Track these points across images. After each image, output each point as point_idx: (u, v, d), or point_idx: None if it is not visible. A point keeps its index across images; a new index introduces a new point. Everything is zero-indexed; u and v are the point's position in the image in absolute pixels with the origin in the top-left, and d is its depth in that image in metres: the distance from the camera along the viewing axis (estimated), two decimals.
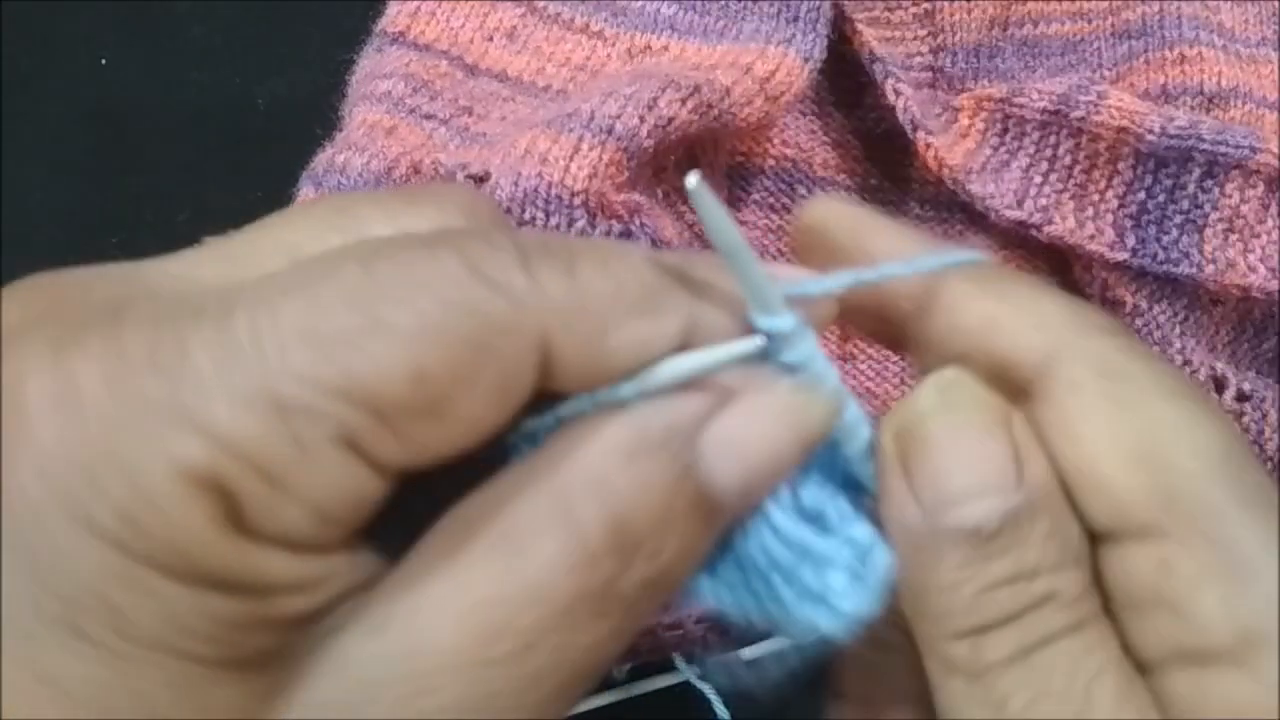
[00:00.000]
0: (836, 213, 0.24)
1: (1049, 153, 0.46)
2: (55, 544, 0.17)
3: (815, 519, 0.20)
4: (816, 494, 0.21)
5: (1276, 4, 0.51)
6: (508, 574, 0.18)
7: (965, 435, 0.21)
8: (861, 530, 0.20)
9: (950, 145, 0.46)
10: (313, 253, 0.20)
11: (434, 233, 0.20)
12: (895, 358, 0.46)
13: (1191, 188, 0.44)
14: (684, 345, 0.20)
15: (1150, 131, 0.44)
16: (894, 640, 0.22)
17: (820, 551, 0.20)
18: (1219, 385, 0.44)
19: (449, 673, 0.17)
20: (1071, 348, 0.21)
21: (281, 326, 0.18)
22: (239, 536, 0.17)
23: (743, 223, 0.48)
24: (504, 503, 0.19)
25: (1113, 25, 0.51)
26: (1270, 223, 0.44)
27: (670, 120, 0.39)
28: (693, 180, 0.19)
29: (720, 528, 0.20)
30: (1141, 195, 0.45)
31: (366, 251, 0.19)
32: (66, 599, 0.17)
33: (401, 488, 0.19)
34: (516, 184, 0.37)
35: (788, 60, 0.44)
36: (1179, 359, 0.44)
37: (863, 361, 0.46)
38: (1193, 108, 0.48)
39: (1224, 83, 0.48)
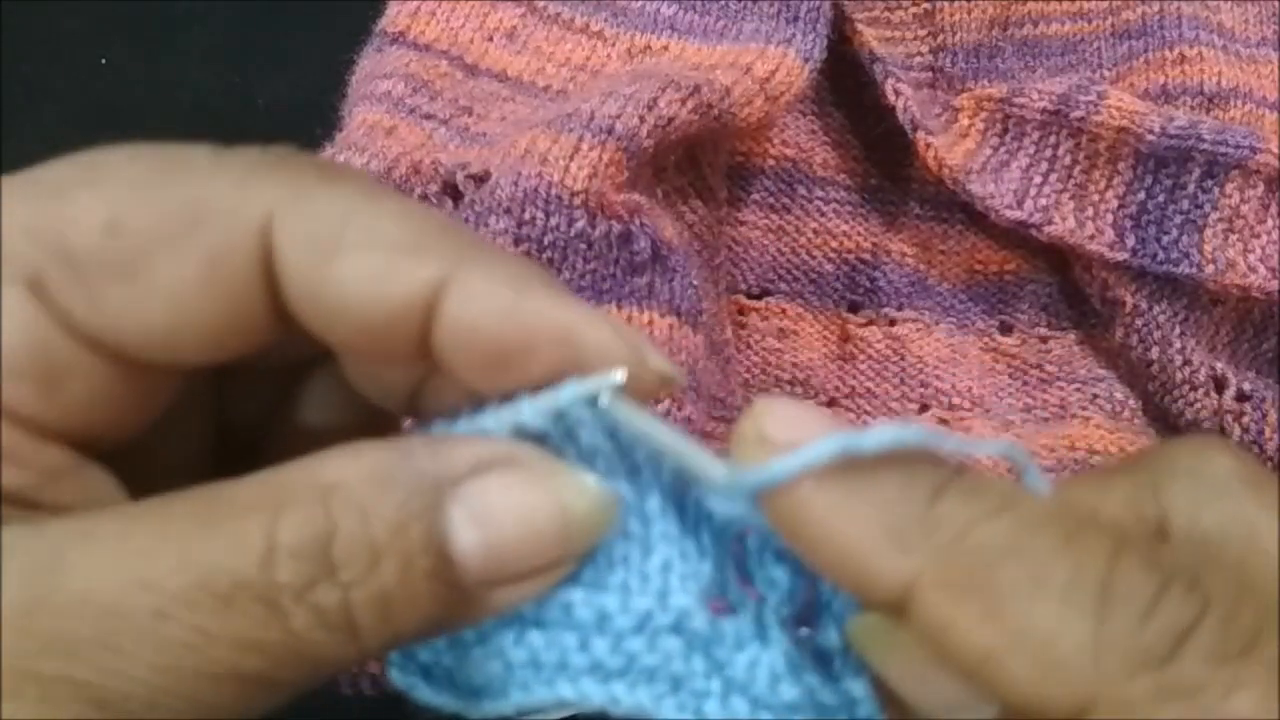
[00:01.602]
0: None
1: (1049, 153, 0.46)
2: None
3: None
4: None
5: (1276, 4, 0.51)
6: (181, 539, 0.17)
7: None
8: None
9: (950, 145, 0.46)
10: None
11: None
12: (895, 358, 0.46)
13: (1191, 188, 0.44)
14: (433, 302, 0.18)
15: (1150, 131, 0.44)
16: None
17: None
18: (1219, 385, 0.44)
19: (75, 601, 0.16)
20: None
21: (14, 180, 0.18)
22: None
23: (742, 223, 0.48)
24: (235, 483, 0.18)
25: (1113, 25, 0.51)
26: (1270, 223, 0.44)
27: (670, 120, 0.39)
28: (605, 399, 0.18)
29: (457, 594, 0.18)
30: (1141, 195, 0.45)
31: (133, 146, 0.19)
32: None
33: None
34: (516, 184, 0.37)
35: (788, 60, 0.44)
36: (1179, 359, 0.44)
37: (862, 362, 0.46)
38: (1193, 108, 0.48)
39: (1224, 83, 0.48)
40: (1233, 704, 0.16)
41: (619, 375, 0.18)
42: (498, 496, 0.18)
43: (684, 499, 0.19)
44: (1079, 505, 0.19)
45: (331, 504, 0.17)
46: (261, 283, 0.18)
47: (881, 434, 0.18)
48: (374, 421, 0.21)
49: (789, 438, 0.18)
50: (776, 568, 0.20)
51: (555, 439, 0.19)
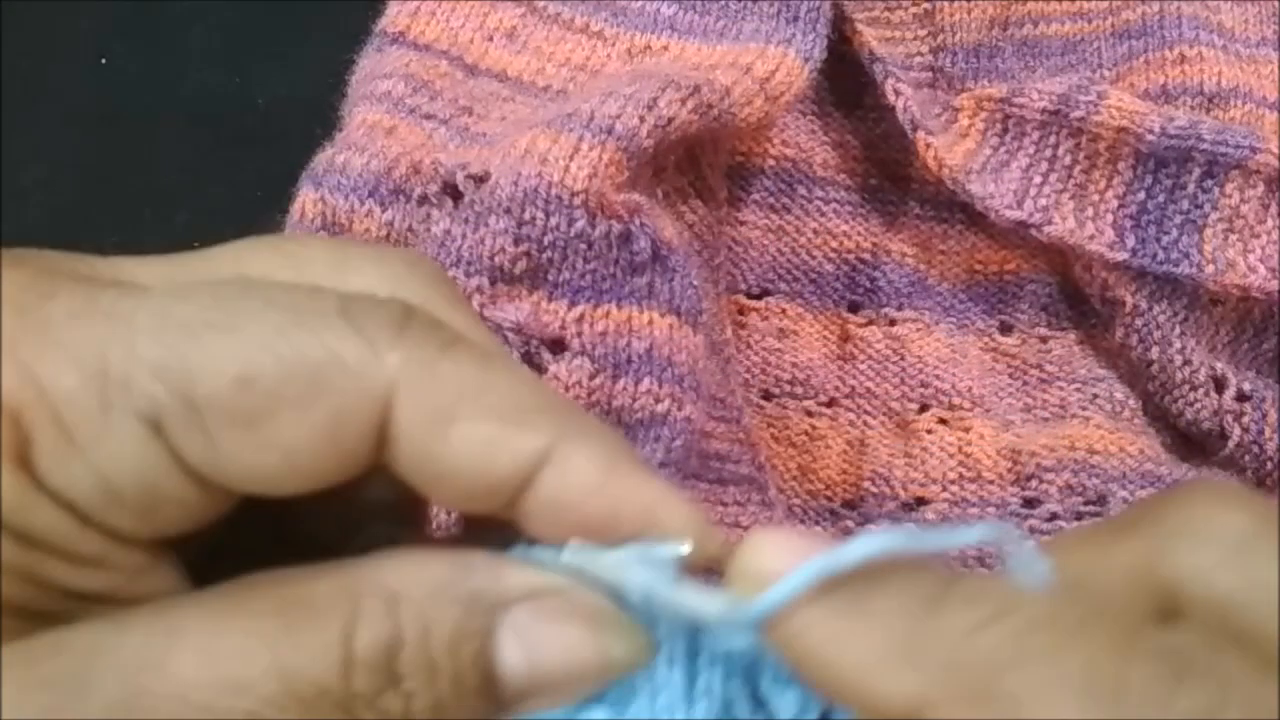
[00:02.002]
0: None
1: (1049, 153, 0.46)
2: None
3: None
4: None
5: (1276, 4, 0.51)
6: (270, 643, 0.18)
7: None
8: None
9: (950, 145, 0.46)
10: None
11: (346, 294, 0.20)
12: (895, 358, 0.46)
13: (1191, 188, 0.44)
14: (534, 473, 0.19)
15: (1150, 131, 0.44)
16: None
17: None
18: (1219, 385, 0.44)
19: (172, 701, 0.17)
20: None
21: (139, 303, 0.18)
22: (22, 476, 0.18)
23: (742, 223, 0.48)
24: (309, 579, 0.19)
25: (1113, 25, 0.51)
26: (1270, 223, 0.44)
27: (670, 120, 0.39)
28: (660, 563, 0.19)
29: (488, 711, 0.19)
30: (1141, 195, 0.45)
31: (256, 282, 0.19)
32: None
33: None
34: (516, 184, 0.37)
35: (788, 60, 0.44)
36: (1179, 359, 0.44)
37: (862, 362, 0.46)
38: (1193, 108, 0.48)
39: (1224, 83, 0.48)
40: None
41: (684, 549, 0.19)
42: (546, 627, 0.19)
43: (699, 634, 0.20)
44: (1080, 588, 0.19)
45: (399, 615, 0.18)
46: (374, 442, 0.19)
47: (863, 545, 0.18)
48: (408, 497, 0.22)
49: (781, 566, 0.18)
50: (788, 690, 0.20)
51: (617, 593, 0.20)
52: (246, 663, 0.18)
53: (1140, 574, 0.19)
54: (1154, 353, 0.44)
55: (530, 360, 0.37)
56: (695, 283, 0.39)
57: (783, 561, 0.18)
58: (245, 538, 0.20)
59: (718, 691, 0.20)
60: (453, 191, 0.39)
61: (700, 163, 0.44)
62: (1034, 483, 0.42)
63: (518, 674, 0.19)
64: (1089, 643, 0.17)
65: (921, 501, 0.43)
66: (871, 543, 0.18)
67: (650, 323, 0.38)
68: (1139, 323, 0.45)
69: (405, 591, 0.18)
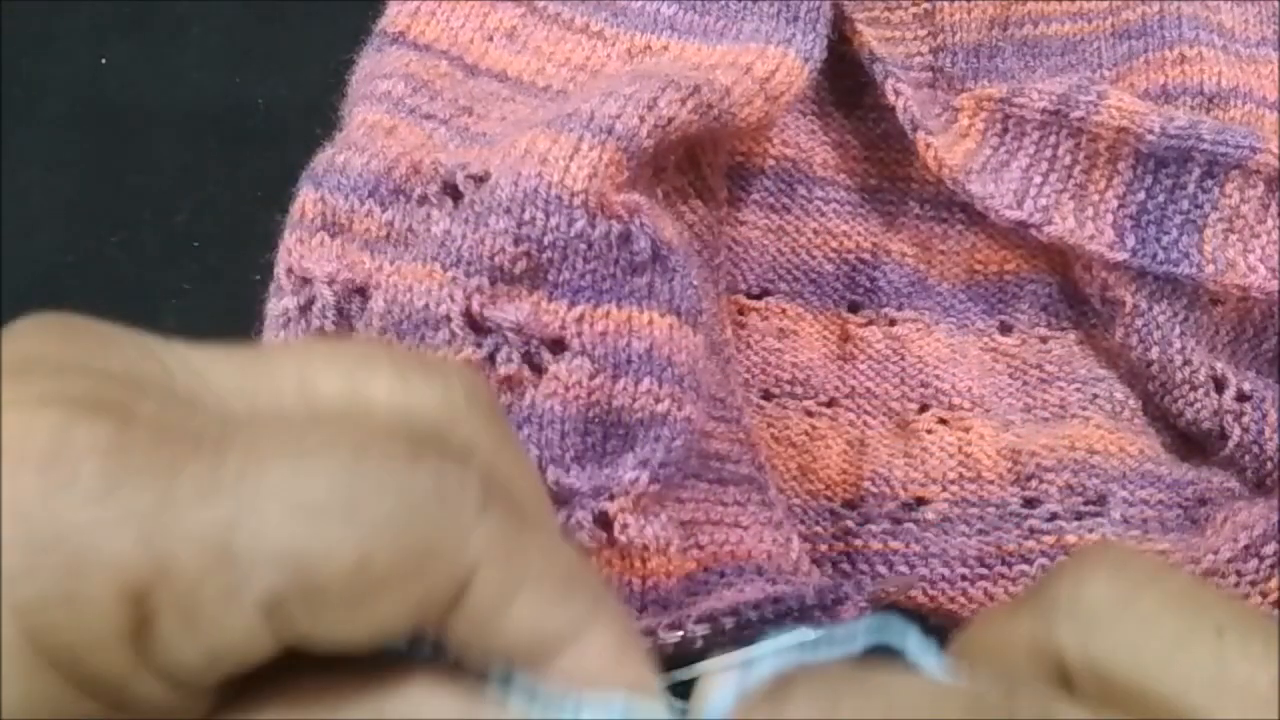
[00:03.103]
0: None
1: (1049, 153, 0.46)
2: None
3: None
4: None
5: (1276, 4, 0.51)
6: None
7: None
8: None
9: (950, 145, 0.46)
10: (325, 393, 0.21)
11: (424, 437, 0.21)
12: (895, 358, 0.46)
13: (1191, 188, 0.44)
14: (560, 648, 0.20)
15: (1150, 131, 0.44)
16: None
17: None
18: (1219, 385, 0.44)
19: None
20: None
21: (262, 483, 0.18)
22: (135, 654, 0.18)
23: (742, 223, 0.48)
24: (344, 706, 0.20)
25: (1113, 25, 0.51)
26: (1270, 223, 0.44)
27: (670, 120, 0.39)
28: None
29: None
30: (1141, 195, 0.45)
31: (361, 438, 0.20)
32: None
33: None
34: (516, 184, 0.37)
35: (788, 60, 0.44)
36: (1179, 359, 0.44)
37: (862, 362, 0.46)
38: (1193, 108, 0.48)
39: (1224, 83, 0.48)
40: None
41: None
42: None
43: None
44: (988, 663, 0.21)
45: None
46: (450, 607, 0.20)
47: (769, 658, 0.21)
48: None
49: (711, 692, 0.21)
50: None
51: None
52: None
53: (1037, 648, 0.21)
54: (1154, 353, 0.44)
55: (530, 360, 0.37)
56: (695, 283, 0.39)
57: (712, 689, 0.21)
58: None
59: None
60: (453, 191, 0.39)
61: (700, 163, 0.44)
62: (1034, 483, 0.42)
63: None
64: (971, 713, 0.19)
65: (921, 501, 0.43)
66: (774, 653, 0.21)
67: (650, 323, 0.38)
68: (1139, 323, 0.45)
69: None
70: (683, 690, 0.22)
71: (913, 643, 0.21)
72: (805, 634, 0.20)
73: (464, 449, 0.22)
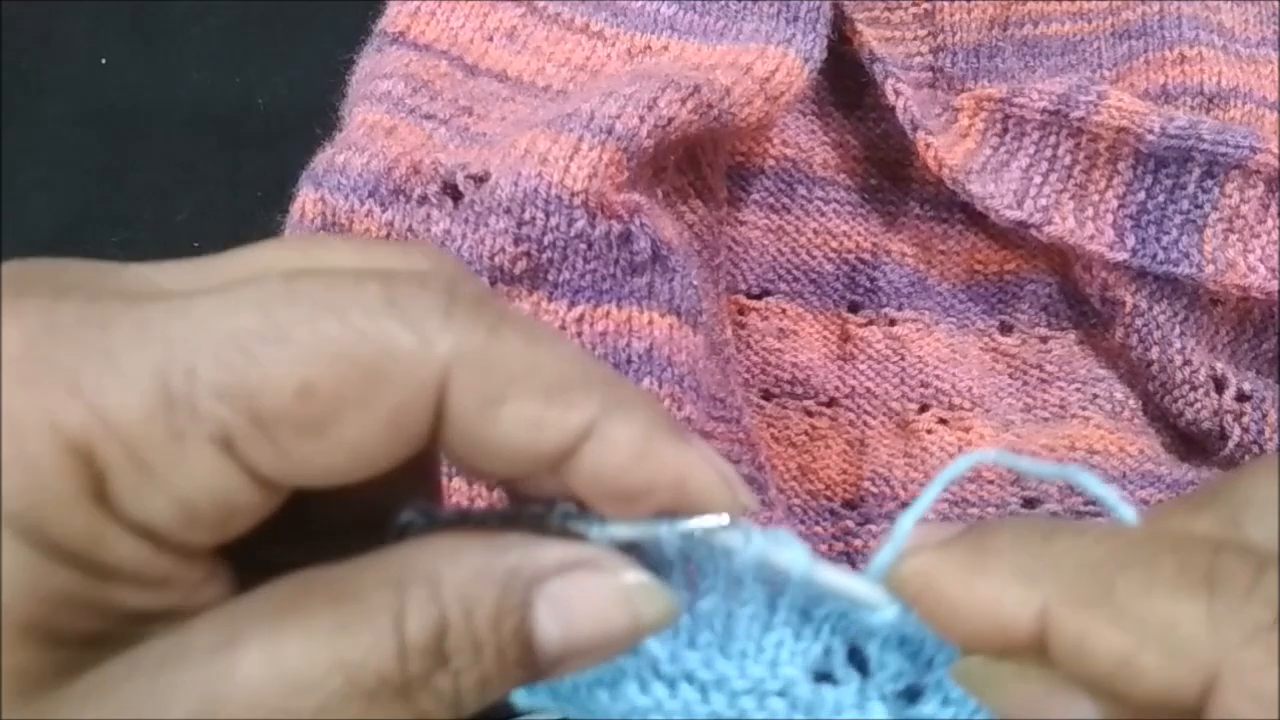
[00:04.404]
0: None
1: (1049, 153, 0.46)
2: None
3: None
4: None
5: (1276, 4, 0.51)
6: (328, 640, 0.19)
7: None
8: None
9: (950, 145, 0.46)
10: (280, 269, 0.21)
11: (375, 269, 0.20)
12: (895, 358, 0.46)
13: (1191, 188, 0.44)
14: (577, 447, 0.20)
15: (1150, 131, 0.44)
16: None
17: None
18: (1219, 385, 0.44)
19: (243, 709, 0.18)
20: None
21: (190, 321, 0.18)
22: (99, 511, 0.18)
23: (742, 223, 0.48)
24: (354, 574, 0.19)
25: (1113, 25, 0.51)
26: (1270, 223, 0.44)
27: (670, 120, 0.39)
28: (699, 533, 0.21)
29: (527, 679, 0.20)
30: (1141, 195, 0.45)
31: (296, 270, 0.20)
32: None
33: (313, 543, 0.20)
34: (516, 184, 0.37)
35: (788, 60, 0.44)
36: (1179, 359, 0.44)
37: (862, 362, 0.46)
38: (1193, 108, 0.48)
39: (1224, 83, 0.48)
40: None
41: (723, 519, 0.21)
42: (578, 596, 0.20)
43: (813, 603, 0.23)
44: (1173, 530, 0.21)
45: (443, 600, 0.19)
46: (431, 425, 0.20)
47: (957, 466, 0.22)
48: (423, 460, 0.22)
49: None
50: (888, 654, 0.23)
51: (649, 553, 0.22)
52: (310, 663, 0.18)
53: (1221, 531, 0.21)
54: (1154, 353, 0.44)
55: None
56: (695, 283, 0.39)
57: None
58: (271, 522, 0.21)
59: (820, 643, 0.23)
60: (453, 191, 0.39)
61: (700, 163, 0.44)
62: (1034, 483, 0.42)
63: (554, 642, 0.20)
64: (1184, 549, 0.19)
65: None
66: (964, 462, 0.22)
67: (650, 323, 0.38)
68: (1139, 323, 0.45)
69: (446, 576, 0.19)
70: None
71: (1116, 498, 0.22)
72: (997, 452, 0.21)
73: (422, 271, 0.21)
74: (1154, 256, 0.44)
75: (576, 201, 0.37)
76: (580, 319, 0.37)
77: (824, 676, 0.23)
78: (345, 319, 0.19)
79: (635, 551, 0.21)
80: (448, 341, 0.19)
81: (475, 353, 0.19)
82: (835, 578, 0.22)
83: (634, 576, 0.21)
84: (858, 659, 0.23)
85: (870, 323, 0.47)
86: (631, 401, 0.20)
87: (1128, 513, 0.22)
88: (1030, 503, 0.42)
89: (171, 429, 0.18)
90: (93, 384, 0.18)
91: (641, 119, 0.38)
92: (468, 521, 0.20)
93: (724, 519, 0.21)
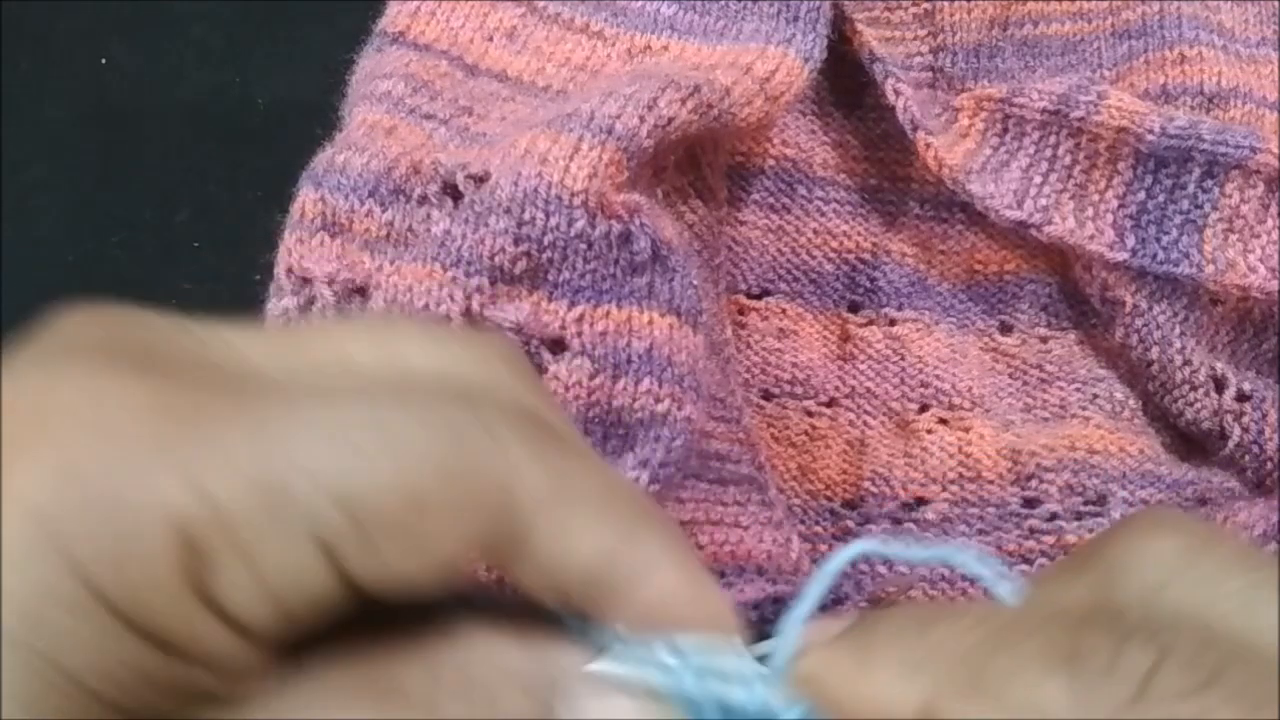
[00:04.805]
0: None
1: (1049, 153, 0.46)
2: (17, 547, 0.17)
3: None
4: None
5: (1276, 4, 0.51)
6: None
7: None
8: None
9: (950, 145, 0.46)
10: (362, 362, 0.21)
11: (459, 386, 0.21)
12: (895, 358, 0.46)
13: (1191, 188, 0.44)
14: (633, 582, 0.21)
15: (1150, 131, 0.44)
16: None
17: None
18: (1219, 385, 0.44)
19: None
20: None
21: (307, 422, 0.19)
22: (194, 597, 0.18)
23: (742, 223, 0.48)
24: (399, 664, 0.20)
25: (1113, 25, 0.51)
26: (1270, 223, 0.44)
27: (670, 120, 0.39)
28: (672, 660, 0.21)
29: None
30: (1141, 195, 0.45)
31: (397, 384, 0.20)
32: (9, 594, 0.17)
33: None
34: (516, 184, 0.37)
35: (788, 60, 0.44)
36: (1179, 359, 0.44)
37: (862, 362, 0.46)
38: (1193, 108, 0.48)
39: (1224, 83, 0.48)
40: None
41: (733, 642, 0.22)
42: (597, 711, 0.21)
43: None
44: (1045, 603, 0.21)
45: (473, 698, 0.20)
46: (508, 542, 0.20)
47: (837, 560, 0.22)
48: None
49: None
50: None
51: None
52: None
53: (1095, 609, 0.21)
54: (1154, 353, 0.44)
55: (530, 360, 0.37)
56: (695, 283, 0.39)
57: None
58: None
59: None
60: (453, 191, 0.39)
61: (700, 163, 0.44)
62: (1034, 483, 0.42)
63: None
64: (1049, 628, 0.19)
65: (921, 501, 0.43)
66: (843, 556, 0.21)
67: (650, 323, 0.38)
68: (1139, 323, 0.45)
69: (480, 677, 0.20)
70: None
71: (995, 571, 0.22)
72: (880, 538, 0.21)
73: (499, 394, 0.22)
74: (1154, 256, 0.44)
75: (576, 201, 0.37)
76: (580, 319, 0.37)
77: None
78: (444, 434, 0.19)
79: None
80: (526, 467, 0.20)
81: (552, 477, 0.20)
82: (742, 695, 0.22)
83: (651, 695, 0.21)
84: None
85: (870, 323, 0.47)
86: (669, 533, 0.21)
87: (1004, 589, 0.22)
88: (1030, 503, 0.42)
89: (274, 519, 0.18)
90: (203, 470, 0.18)
91: (641, 119, 0.38)
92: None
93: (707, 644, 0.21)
